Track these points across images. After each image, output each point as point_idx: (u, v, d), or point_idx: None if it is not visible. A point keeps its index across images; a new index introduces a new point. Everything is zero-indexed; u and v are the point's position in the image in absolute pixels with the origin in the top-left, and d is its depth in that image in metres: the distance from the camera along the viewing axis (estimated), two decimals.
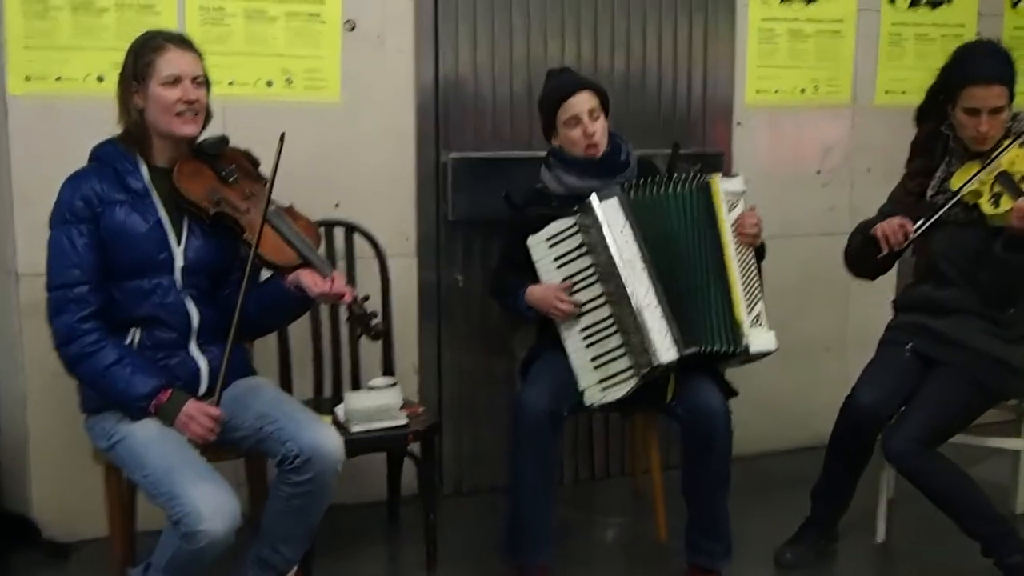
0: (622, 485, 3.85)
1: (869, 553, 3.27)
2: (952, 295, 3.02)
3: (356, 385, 3.27)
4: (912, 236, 2.95)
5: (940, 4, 4.15)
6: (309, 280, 2.54)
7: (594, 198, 2.89)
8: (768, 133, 3.99)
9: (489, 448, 3.71)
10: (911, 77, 4.15)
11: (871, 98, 4.13)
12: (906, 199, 3.15)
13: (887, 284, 3.44)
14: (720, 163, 3.78)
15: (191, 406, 2.42)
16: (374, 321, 2.60)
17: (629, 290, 2.82)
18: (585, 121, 3.00)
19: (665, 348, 2.79)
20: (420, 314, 3.58)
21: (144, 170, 2.54)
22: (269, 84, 3.30)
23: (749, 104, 3.93)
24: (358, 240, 3.30)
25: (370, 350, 3.27)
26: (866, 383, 3.01)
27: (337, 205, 3.37)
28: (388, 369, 3.29)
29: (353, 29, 3.37)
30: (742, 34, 3.87)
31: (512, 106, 3.57)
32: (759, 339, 2.88)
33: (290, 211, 2.66)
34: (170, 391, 2.43)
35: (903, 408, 2.98)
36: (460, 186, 3.48)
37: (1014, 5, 4.29)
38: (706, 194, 2.93)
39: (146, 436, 2.38)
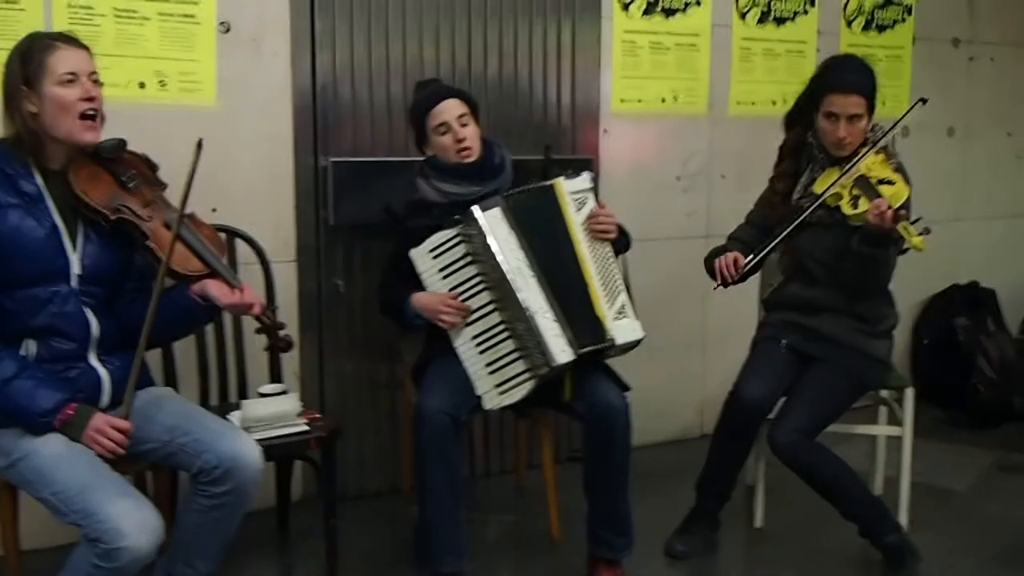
0: (502, 483, 3.91)
1: (751, 538, 3.45)
2: (819, 294, 3.22)
3: (243, 394, 3.20)
4: (744, 269, 3.20)
5: (785, 21, 4.41)
6: (217, 290, 2.47)
7: (476, 209, 2.92)
8: (632, 141, 4.13)
9: (372, 454, 3.71)
10: (759, 90, 4.40)
11: (725, 109, 4.33)
12: (772, 198, 3.34)
13: (745, 285, 3.64)
14: (590, 168, 3.83)
15: (99, 420, 2.32)
16: (283, 332, 2.56)
17: (520, 297, 2.87)
18: (455, 127, 3.04)
19: (560, 349, 2.85)
20: (301, 320, 3.53)
21: (37, 174, 2.41)
22: (142, 86, 3.20)
23: (614, 112, 4.06)
24: (240, 246, 3.23)
25: (254, 358, 3.21)
26: (749, 379, 3.17)
27: (215, 210, 3.27)
28: (275, 376, 3.23)
29: (228, 31, 3.30)
30: (607, 44, 4.00)
31: (389, 110, 3.57)
32: (623, 330, 2.95)
33: (193, 219, 2.58)
34: (75, 405, 2.32)
35: (783, 401, 3.16)
36: (341, 191, 3.45)
37: (848, 24, 4.60)
38: (552, 195, 3.00)
39: (52, 453, 2.27)
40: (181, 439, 2.42)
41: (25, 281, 2.36)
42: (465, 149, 3.04)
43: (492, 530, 3.52)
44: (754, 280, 3.62)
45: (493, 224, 2.90)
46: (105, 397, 2.45)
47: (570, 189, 3.01)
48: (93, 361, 2.45)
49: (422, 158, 3.17)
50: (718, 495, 3.31)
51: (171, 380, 3.08)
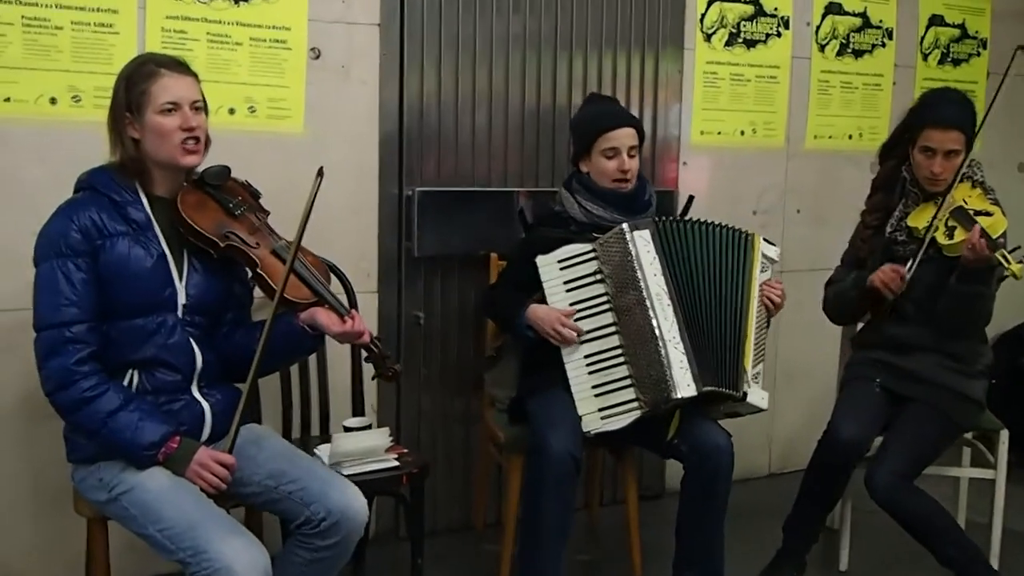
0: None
1: None
2: (912, 331, 3.15)
3: (325, 427, 3.14)
4: (907, 277, 3.10)
5: (863, 54, 4.35)
6: (326, 319, 2.41)
7: (627, 228, 2.89)
8: (710, 173, 4.07)
9: (446, 489, 3.63)
10: (836, 123, 4.34)
11: (801, 143, 4.27)
12: (863, 232, 3.29)
13: (812, 321, 3.58)
14: (673, 201, 3.83)
15: (203, 454, 2.27)
16: (391, 361, 2.50)
17: (654, 323, 2.82)
18: (624, 156, 3.01)
19: (685, 384, 2.79)
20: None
21: (145, 200, 2.37)
22: (231, 112, 3.16)
23: (694, 144, 4.00)
24: None
25: (334, 390, 3.17)
26: (843, 419, 3.09)
27: None
28: (357, 409, 3.17)
29: (318, 57, 3.27)
30: (689, 76, 3.95)
31: (474, 142, 3.52)
32: (755, 393, 2.92)
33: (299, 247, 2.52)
34: (179, 438, 2.27)
35: (880, 442, 3.08)
36: (426, 221, 3.40)
37: (925, 57, 4.54)
38: (748, 247, 3.00)
39: (158, 487, 2.21)
40: (288, 487, 2.36)
41: (132, 311, 2.31)
42: (625, 181, 3.01)
43: (570, 568, 3.42)
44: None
45: (641, 244, 2.87)
46: (206, 431, 2.40)
47: (764, 251, 3.02)
48: (196, 393, 2.40)
49: (506, 187, 3.12)
50: (806, 537, 3.21)
51: (254, 412, 3.02)
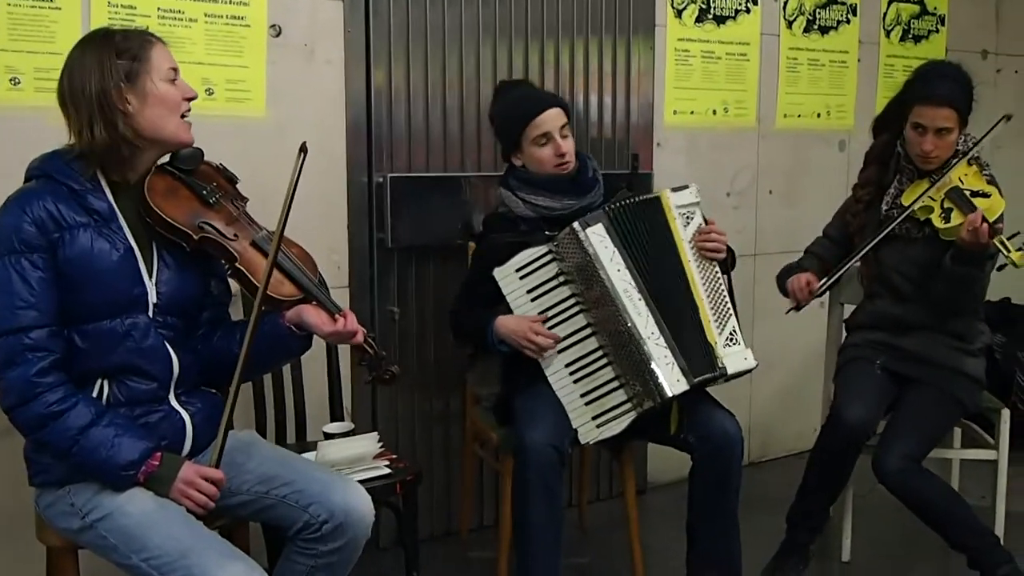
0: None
1: (841, 573, 3.25)
2: (909, 311, 3.05)
3: (302, 433, 2.90)
4: (816, 293, 3.05)
5: (829, 30, 4.25)
6: (315, 318, 2.16)
7: (578, 227, 2.66)
8: (685, 155, 3.92)
9: (427, 495, 3.40)
10: (805, 102, 4.24)
11: (773, 122, 4.15)
12: (854, 207, 3.16)
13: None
14: (650, 184, 3.67)
15: (189, 470, 2.01)
16: (388, 362, 2.26)
17: (630, 322, 2.62)
18: (557, 139, 2.79)
19: (675, 379, 2.60)
20: (352, 351, 3.23)
21: (107, 188, 2.10)
22: None
23: (668, 124, 3.85)
24: None
25: (310, 392, 2.93)
26: (848, 402, 2.95)
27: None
28: (336, 413, 2.94)
29: (279, 35, 3.02)
30: (661, 54, 3.79)
31: (445, 127, 3.30)
32: (735, 359, 2.70)
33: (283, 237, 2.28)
34: (160, 455, 2.01)
35: (886, 425, 2.97)
36: (399, 209, 3.18)
37: (887, 34, 4.46)
38: (655, 210, 2.75)
39: (141, 511, 1.96)
40: (281, 490, 2.13)
41: (98, 312, 2.04)
42: (564, 163, 2.79)
43: (567, 573, 3.24)
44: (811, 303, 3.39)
45: (597, 242, 2.65)
46: (187, 444, 2.14)
47: (677, 203, 2.77)
48: (174, 403, 2.14)
49: (481, 171, 2.91)
50: (812, 527, 3.07)
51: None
